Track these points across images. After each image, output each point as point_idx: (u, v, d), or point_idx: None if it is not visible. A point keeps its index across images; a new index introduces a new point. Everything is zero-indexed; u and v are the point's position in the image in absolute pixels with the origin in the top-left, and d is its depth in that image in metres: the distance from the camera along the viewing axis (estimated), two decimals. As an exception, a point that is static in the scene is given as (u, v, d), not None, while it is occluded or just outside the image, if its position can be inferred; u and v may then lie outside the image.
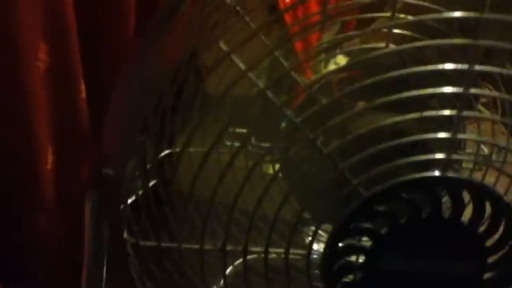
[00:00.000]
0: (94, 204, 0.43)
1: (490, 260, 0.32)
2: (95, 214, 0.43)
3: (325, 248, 0.31)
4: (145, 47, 0.36)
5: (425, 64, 0.28)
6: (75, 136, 0.47)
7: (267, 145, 0.38)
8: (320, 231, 0.32)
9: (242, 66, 0.29)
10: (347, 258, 0.32)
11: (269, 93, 0.29)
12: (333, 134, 0.30)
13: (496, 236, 0.31)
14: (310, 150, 0.30)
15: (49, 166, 0.45)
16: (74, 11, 0.44)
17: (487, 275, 0.32)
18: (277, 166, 0.40)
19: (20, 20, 0.39)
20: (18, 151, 0.44)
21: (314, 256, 0.32)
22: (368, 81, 0.28)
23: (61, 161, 0.46)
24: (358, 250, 0.32)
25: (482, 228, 0.31)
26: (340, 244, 0.31)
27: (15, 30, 0.39)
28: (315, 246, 0.32)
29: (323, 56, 0.40)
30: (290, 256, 0.32)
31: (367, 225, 0.31)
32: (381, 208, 0.30)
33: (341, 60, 0.39)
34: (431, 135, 0.30)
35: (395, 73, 0.28)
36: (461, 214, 0.30)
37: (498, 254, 0.32)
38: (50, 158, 0.45)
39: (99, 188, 0.43)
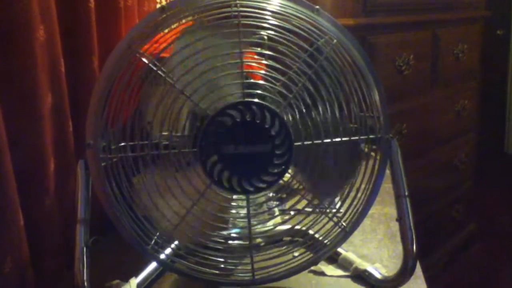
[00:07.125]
0: (83, 167, 0.77)
1: (276, 141, 0.67)
2: (84, 174, 0.77)
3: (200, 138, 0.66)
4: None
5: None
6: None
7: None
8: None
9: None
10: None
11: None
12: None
13: (276, 128, 0.67)
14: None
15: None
16: None
17: (276, 151, 0.68)
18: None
19: None
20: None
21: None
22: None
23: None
24: (213, 142, 0.67)
25: (267, 125, 0.67)
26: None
27: None
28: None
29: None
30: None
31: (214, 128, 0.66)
32: (219, 119, 0.66)
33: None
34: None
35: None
36: (257, 119, 0.66)
37: (280, 137, 0.67)
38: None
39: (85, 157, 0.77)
